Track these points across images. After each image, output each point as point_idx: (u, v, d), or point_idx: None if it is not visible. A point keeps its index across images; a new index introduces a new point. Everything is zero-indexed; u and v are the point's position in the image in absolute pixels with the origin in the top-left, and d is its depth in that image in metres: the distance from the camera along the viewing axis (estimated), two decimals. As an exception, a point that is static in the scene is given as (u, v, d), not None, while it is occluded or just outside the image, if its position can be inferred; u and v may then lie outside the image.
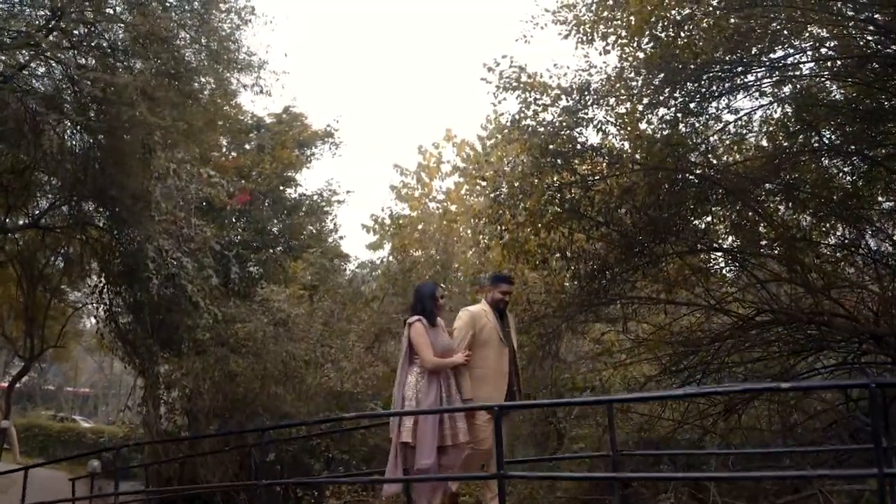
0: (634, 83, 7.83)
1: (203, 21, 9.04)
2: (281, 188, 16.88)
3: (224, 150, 17.33)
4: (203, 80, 9.42)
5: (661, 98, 7.85)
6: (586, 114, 7.90)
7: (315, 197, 17.38)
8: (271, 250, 16.15)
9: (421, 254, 13.91)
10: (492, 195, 8.85)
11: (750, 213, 9.33)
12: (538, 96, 8.03)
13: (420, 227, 22.75)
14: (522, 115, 8.08)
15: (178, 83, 8.85)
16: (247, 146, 17.25)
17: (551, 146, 7.90)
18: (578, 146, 8.07)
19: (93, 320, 16.60)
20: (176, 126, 8.95)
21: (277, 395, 12.08)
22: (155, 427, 13.24)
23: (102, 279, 13.81)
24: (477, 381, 5.81)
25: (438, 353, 5.71)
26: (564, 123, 7.81)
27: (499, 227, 8.72)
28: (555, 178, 8.23)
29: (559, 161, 7.99)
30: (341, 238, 18.67)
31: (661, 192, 8.17)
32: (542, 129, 7.86)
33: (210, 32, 8.97)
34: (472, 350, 5.81)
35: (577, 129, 7.96)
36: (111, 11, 9.58)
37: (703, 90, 7.71)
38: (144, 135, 9.33)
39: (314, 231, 17.13)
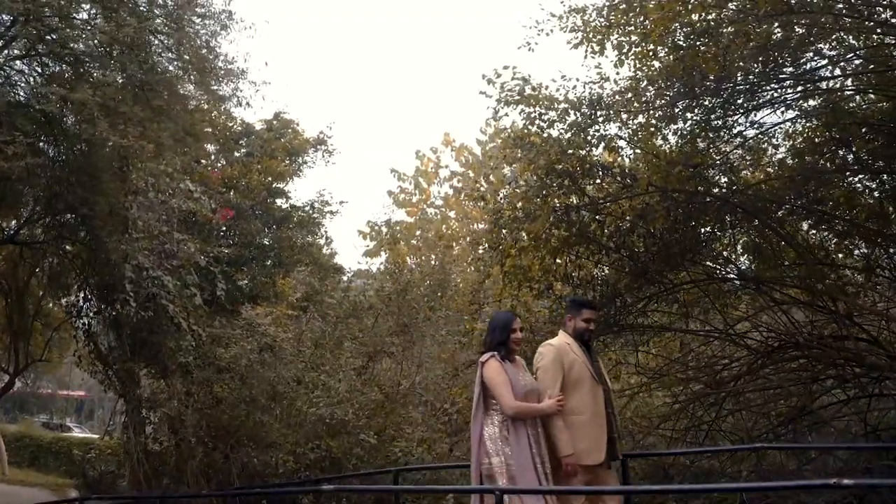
0: (651, 95, 7.08)
1: (178, 27, 8.29)
2: (270, 200, 16.17)
3: (213, 157, 16.63)
4: (176, 91, 8.67)
5: (680, 112, 7.13)
6: (598, 130, 7.16)
7: (307, 208, 16.69)
8: (261, 264, 15.43)
9: (417, 271, 13.21)
10: (492, 217, 8.11)
11: (769, 233, 8.73)
12: (543, 111, 7.28)
13: (418, 232, 22.17)
14: (526, 131, 7.35)
15: (148, 94, 8.09)
16: (236, 153, 16.53)
17: (558, 166, 7.16)
18: (588, 165, 7.33)
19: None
20: (141, 145, 8.19)
21: (264, 423, 11.35)
22: (136, 454, 12.55)
23: (81, 297, 13.12)
24: (572, 432, 4.77)
25: (520, 397, 4.75)
26: (573, 141, 7.07)
27: (499, 254, 7.99)
28: (562, 200, 7.47)
29: (567, 182, 7.25)
30: (334, 255, 18.01)
31: (678, 215, 7.45)
32: (548, 148, 7.11)
33: (184, 39, 8.22)
34: (563, 393, 4.84)
35: (588, 148, 7.21)
36: (84, 16, 8.90)
37: (726, 104, 6.99)
38: (114, 151, 8.59)
39: (306, 244, 16.41)
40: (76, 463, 25.62)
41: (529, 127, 7.36)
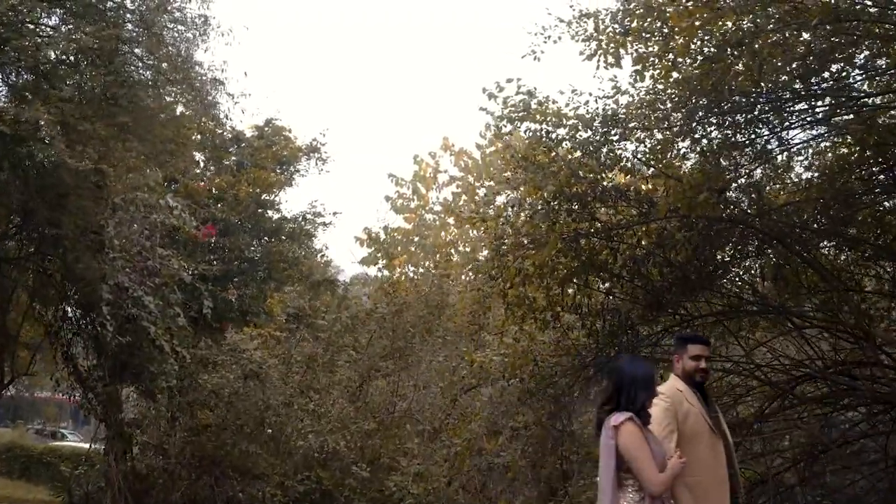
0: (669, 110, 6.38)
1: (150, 33, 7.60)
2: (260, 211, 15.49)
3: (202, 166, 15.95)
4: (147, 104, 7.97)
5: (702, 128, 6.46)
6: (612, 150, 6.47)
7: (298, 220, 16.00)
8: (250, 279, 14.76)
9: (412, 289, 12.55)
10: (494, 244, 7.42)
11: (793, 257, 8.13)
12: (551, 128, 6.58)
13: (416, 238, 21.50)
14: (532, 151, 6.66)
15: (114, 109, 7.39)
16: (225, 162, 15.84)
17: (566, 189, 6.48)
18: (600, 189, 6.63)
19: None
20: (99, 168, 7.50)
21: (250, 452, 10.68)
22: (118, 483, 11.88)
23: (58, 317, 12.47)
24: (690, 495, 4.04)
25: (660, 468, 3.96)
26: (584, 163, 6.39)
27: (501, 283, 7.30)
28: (570, 227, 6.76)
29: (577, 207, 6.55)
30: (329, 262, 17.35)
31: (698, 242, 6.77)
32: (556, 170, 6.42)
33: (154, 46, 7.53)
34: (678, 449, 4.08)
35: (601, 169, 6.52)
36: (52, 23, 8.23)
37: (755, 120, 6.31)
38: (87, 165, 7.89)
39: (298, 257, 15.71)
40: (63, 479, 24.96)
41: (535, 146, 6.66)
